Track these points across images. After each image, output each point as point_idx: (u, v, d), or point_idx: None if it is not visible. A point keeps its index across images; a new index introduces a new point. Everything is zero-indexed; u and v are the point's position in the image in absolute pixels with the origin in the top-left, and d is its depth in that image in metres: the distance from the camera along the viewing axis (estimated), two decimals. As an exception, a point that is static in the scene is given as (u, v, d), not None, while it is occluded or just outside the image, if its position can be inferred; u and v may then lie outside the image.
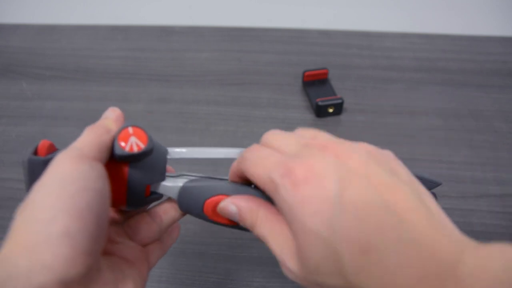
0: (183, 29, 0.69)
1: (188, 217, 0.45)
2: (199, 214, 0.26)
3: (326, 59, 0.63)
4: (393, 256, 0.16)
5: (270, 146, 0.23)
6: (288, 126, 0.54)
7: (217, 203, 0.25)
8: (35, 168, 0.22)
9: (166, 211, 0.28)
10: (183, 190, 0.26)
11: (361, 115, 0.55)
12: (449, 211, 0.44)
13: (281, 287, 0.39)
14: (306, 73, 0.57)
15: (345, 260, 0.17)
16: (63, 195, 0.18)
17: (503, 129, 0.53)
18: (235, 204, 0.24)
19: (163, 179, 0.27)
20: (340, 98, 0.53)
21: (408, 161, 0.52)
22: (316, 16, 0.73)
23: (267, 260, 0.41)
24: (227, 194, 0.25)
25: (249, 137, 0.52)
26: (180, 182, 0.27)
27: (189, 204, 0.27)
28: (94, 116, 0.26)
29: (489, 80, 0.59)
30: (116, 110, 0.26)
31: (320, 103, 0.53)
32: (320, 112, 0.54)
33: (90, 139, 0.22)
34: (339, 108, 0.54)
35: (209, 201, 0.26)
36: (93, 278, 0.19)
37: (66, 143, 0.28)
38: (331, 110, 0.54)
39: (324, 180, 0.18)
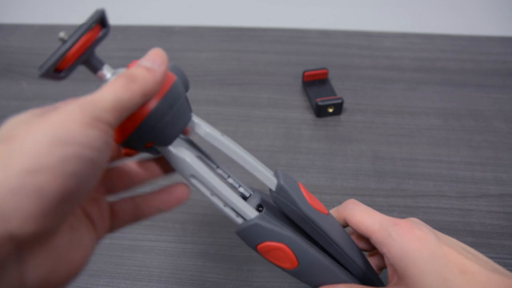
0: (183, 29, 0.69)
1: (187, 217, 0.44)
2: (254, 249, 0.28)
3: (326, 59, 0.63)
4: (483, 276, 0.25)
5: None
6: (288, 126, 0.54)
7: (267, 249, 0.28)
8: None
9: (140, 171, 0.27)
10: (250, 226, 0.27)
11: (361, 115, 0.55)
12: (449, 211, 0.44)
13: (281, 287, 0.39)
14: (306, 73, 0.57)
15: (451, 278, 0.25)
16: (54, 155, 0.17)
17: (503, 129, 0.53)
18: None
19: (169, 142, 0.25)
20: (340, 98, 0.53)
21: (408, 161, 0.52)
22: (316, 16, 0.73)
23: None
24: (277, 241, 0.27)
25: (249, 137, 0.52)
26: (183, 154, 0.25)
27: (248, 238, 0.28)
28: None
29: (489, 80, 0.59)
30: (163, 56, 0.22)
31: (320, 103, 0.53)
32: (320, 112, 0.54)
33: (117, 96, 0.20)
34: (339, 108, 0.54)
35: (261, 245, 0.27)
36: (47, 240, 0.18)
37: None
38: (331, 110, 0.54)
39: (422, 231, 0.27)
